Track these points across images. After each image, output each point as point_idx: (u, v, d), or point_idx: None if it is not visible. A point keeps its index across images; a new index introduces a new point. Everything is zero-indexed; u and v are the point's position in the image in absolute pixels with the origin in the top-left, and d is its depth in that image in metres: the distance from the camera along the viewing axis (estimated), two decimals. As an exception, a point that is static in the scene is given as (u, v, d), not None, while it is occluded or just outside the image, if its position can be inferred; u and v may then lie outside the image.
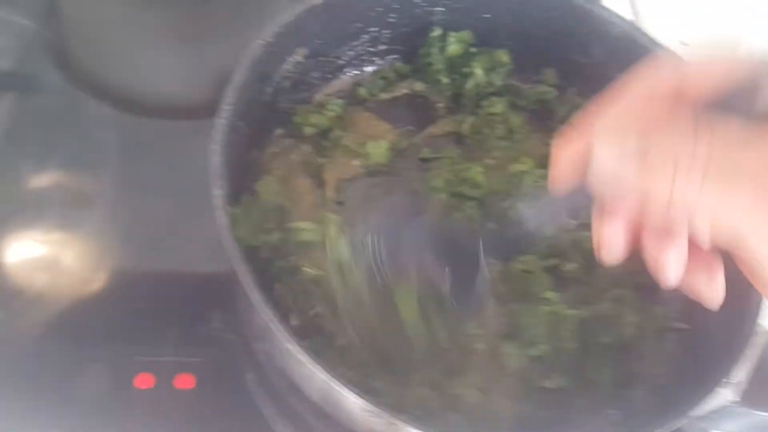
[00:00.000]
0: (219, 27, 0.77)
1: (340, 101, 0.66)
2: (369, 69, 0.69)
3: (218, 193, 0.48)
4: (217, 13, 0.78)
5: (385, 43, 0.68)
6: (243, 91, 0.54)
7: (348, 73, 0.68)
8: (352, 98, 0.67)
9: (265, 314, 0.45)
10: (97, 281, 0.62)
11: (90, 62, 0.74)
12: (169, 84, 0.76)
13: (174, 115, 0.73)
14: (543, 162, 0.62)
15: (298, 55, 0.62)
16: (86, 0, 0.78)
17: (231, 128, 0.52)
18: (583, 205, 0.39)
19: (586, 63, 0.66)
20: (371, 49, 0.68)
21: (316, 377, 0.46)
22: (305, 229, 0.57)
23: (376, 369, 0.54)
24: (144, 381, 0.56)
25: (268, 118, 0.62)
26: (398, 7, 0.64)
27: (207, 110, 0.73)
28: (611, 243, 0.37)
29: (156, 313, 0.60)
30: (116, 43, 0.76)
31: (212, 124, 0.71)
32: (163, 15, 0.76)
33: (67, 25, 0.76)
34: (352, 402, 0.46)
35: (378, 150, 0.63)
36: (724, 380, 0.49)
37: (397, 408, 0.51)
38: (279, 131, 0.64)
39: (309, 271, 0.56)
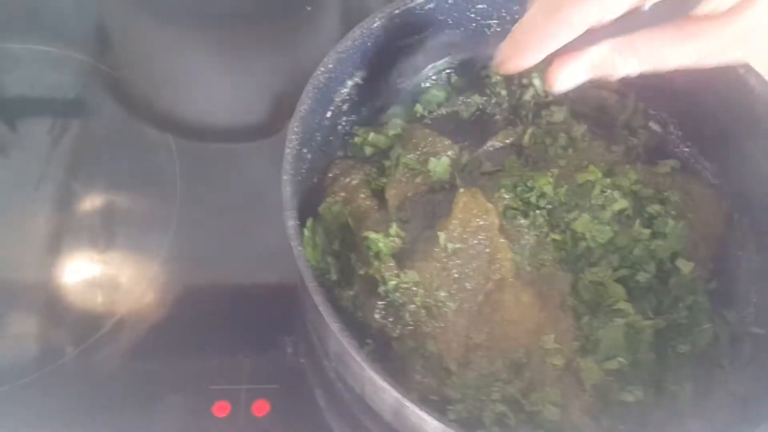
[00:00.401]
0: (270, 49, 0.78)
1: (398, 119, 0.65)
2: (425, 85, 0.68)
3: (292, 224, 0.48)
4: (268, 35, 0.78)
5: (441, 59, 0.68)
6: (306, 119, 0.54)
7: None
8: (410, 115, 0.67)
9: (346, 341, 0.46)
10: (165, 310, 0.63)
11: (142, 92, 0.76)
12: (221, 108, 0.77)
13: (227, 137, 0.74)
14: (610, 170, 0.62)
15: (357, 78, 0.62)
16: (135, 35, 0.81)
17: (297, 157, 0.52)
18: None
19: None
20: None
21: (396, 402, 0.46)
22: (377, 239, 0.56)
23: (454, 378, 0.54)
24: (221, 409, 0.57)
25: (328, 142, 0.63)
26: (452, 23, 0.64)
27: (261, 131, 0.74)
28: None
29: (229, 338, 0.61)
30: (166, 73, 0.79)
31: (266, 144, 0.72)
32: (208, 44, 0.79)
33: (121, 58, 0.79)
34: (431, 425, 0.46)
35: (440, 167, 0.62)
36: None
37: (474, 424, 0.51)
38: (339, 153, 0.64)
39: (396, 278, 0.55)
